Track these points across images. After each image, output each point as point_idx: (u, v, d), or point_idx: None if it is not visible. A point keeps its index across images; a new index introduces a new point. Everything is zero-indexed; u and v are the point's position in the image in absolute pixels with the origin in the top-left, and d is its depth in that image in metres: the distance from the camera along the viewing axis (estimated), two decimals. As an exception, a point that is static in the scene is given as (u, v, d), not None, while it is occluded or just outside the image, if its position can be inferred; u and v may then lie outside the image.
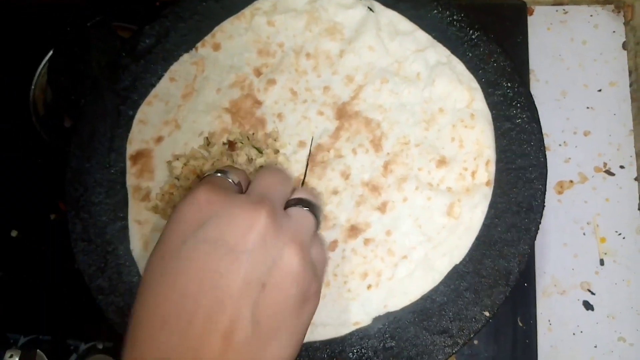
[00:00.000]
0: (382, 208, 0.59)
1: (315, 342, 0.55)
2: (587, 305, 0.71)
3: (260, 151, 0.61)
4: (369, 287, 0.56)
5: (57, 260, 0.74)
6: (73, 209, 0.61)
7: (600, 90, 0.81)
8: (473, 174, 0.59)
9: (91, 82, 0.72)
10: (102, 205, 0.61)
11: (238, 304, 0.37)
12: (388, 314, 0.55)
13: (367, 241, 0.58)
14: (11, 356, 0.66)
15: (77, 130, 0.63)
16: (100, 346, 0.69)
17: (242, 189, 0.47)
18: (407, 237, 0.58)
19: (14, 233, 0.78)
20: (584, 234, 0.75)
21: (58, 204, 0.77)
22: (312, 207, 0.46)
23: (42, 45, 0.83)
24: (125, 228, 0.60)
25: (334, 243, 0.58)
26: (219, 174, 0.47)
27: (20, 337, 0.72)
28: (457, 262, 0.56)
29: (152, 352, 0.36)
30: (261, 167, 0.57)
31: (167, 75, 0.66)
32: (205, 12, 0.68)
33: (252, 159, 0.60)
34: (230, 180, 0.46)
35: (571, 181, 0.77)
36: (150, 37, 0.67)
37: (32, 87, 0.82)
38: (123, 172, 0.62)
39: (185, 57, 0.67)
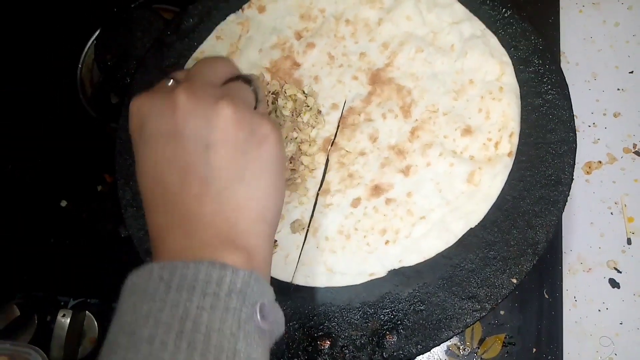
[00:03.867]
0: (406, 171, 0.62)
1: (348, 304, 0.58)
2: (613, 283, 0.72)
3: (305, 94, 0.65)
4: (386, 242, 0.59)
5: (103, 227, 0.79)
6: (122, 177, 0.65)
7: (632, 72, 0.81)
8: (496, 144, 0.61)
9: (136, 60, 0.76)
10: (149, 174, 0.65)
11: (192, 169, 0.43)
12: (417, 279, 0.58)
13: (388, 201, 0.61)
14: (64, 315, 0.71)
15: (127, 105, 0.67)
16: (143, 309, 0.74)
17: None
18: (427, 199, 0.60)
19: (63, 203, 0.82)
20: (612, 213, 0.76)
21: (104, 177, 0.82)
22: (250, 82, 0.50)
23: (88, 25, 0.87)
24: (171, 195, 0.64)
25: (357, 200, 0.61)
26: (165, 81, 0.51)
27: (70, 299, 0.77)
28: (473, 226, 0.59)
29: (159, 231, 0.45)
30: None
31: (213, 34, 0.70)
32: (247, -9, 0.71)
33: (299, 113, 0.63)
34: (169, 83, 0.50)
35: (600, 162, 0.78)
36: (193, 17, 0.70)
37: (80, 66, 0.86)
38: (169, 143, 0.65)
39: (232, 17, 0.71)
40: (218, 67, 0.50)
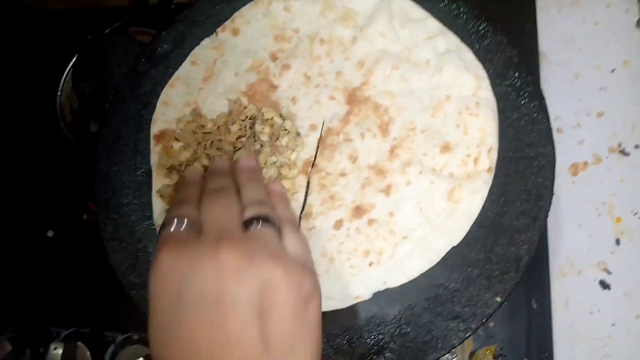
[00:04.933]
0: (387, 190, 0.61)
1: (334, 329, 0.58)
2: (604, 285, 0.72)
3: (282, 117, 0.64)
4: (370, 264, 0.59)
5: (92, 257, 0.78)
6: (103, 210, 0.65)
7: (613, 71, 0.80)
8: (475, 160, 0.60)
9: (114, 87, 0.75)
10: (130, 205, 0.65)
11: (246, 340, 0.39)
12: (402, 301, 0.58)
13: (370, 221, 0.61)
14: (55, 348, 0.71)
15: (103, 136, 0.67)
16: (135, 337, 0.74)
17: (199, 224, 0.47)
18: (408, 218, 0.60)
19: (50, 233, 0.82)
20: (599, 214, 0.75)
21: (89, 205, 0.81)
22: (265, 218, 0.47)
23: (67, 52, 0.86)
24: (153, 227, 0.64)
25: (339, 222, 0.61)
26: (173, 225, 0.46)
27: (62, 330, 0.77)
28: (455, 244, 0.59)
29: None
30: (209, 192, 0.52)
31: (188, 59, 0.69)
32: (219, 15, 0.70)
33: (277, 137, 0.63)
34: (184, 227, 0.46)
35: (585, 163, 0.78)
36: (167, 43, 0.70)
37: (59, 93, 0.86)
38: (149, 173, 0.65)
39: (206, 41, 0.70)
40: (231, 211, 0.47)
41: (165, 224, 0.47)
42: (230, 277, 0.40)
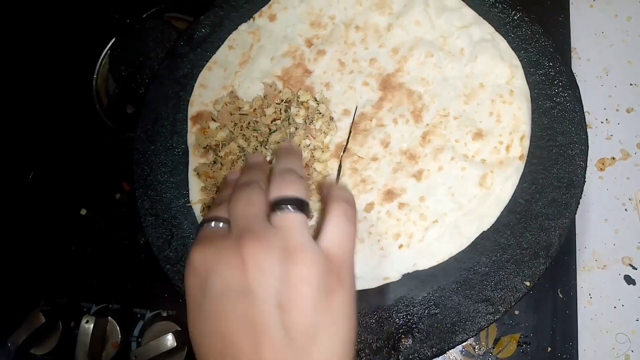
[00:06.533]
0: (418, 175, 0.62)
1: (363, 308, 0.59)
2: (629, 280, 0.72)
3: (317, 101, 0.66)
4: (400, 246, 0.60)
5: (123, 235, 0.81)
6: (141, 187, 0.67)
7: (644, 67, 0.80)
8: (508, 147, 0.61)
9: (150, 71, 0.77)
10: (167, 183, 0.67)
11: (266, 331, 0.41)
12: (431, 283, 0.59)
13: (401, 205, 0.62)
14: (87, 322, 0.73)
15: (142, 116, 0.69)
16: (164, 314, 0.76)
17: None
18: (440, 203, 0.61)
19: (83, 211, 0.84)
20: (626, 209, 0.75)
21: (122, 185, 0.83)
22: (292, 202, 0.46)
23: (103, 36, 0.88)
24: (189, 204, 0.65)
25: (370, 205, 0.62)
26: (208, 225, 0.49)
27: (92, 305, 0.79)
28: (485, 229, 0.60)
29: None
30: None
31: (226, 43, 0.71)
32: (256, 0, 0.72)
33: (311, 121, 0.64)
34: (218, 226, 0.48)
35: (613, 158, 0.78)
36: (205, 27, 0.72)
37: (95, 76, 0.88)
38: (185, 153, 0.67)
39: (243, 26, 0.72)
40: (256, 201, 0.47)
41: (201, 225, 0.49)
42: (251, 271, 0.42)
